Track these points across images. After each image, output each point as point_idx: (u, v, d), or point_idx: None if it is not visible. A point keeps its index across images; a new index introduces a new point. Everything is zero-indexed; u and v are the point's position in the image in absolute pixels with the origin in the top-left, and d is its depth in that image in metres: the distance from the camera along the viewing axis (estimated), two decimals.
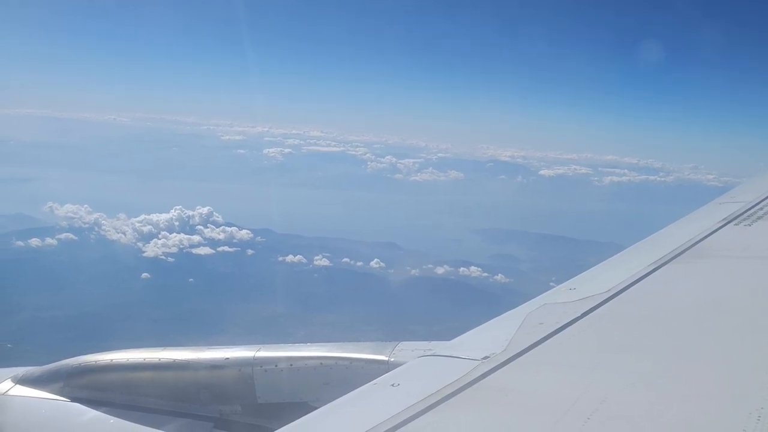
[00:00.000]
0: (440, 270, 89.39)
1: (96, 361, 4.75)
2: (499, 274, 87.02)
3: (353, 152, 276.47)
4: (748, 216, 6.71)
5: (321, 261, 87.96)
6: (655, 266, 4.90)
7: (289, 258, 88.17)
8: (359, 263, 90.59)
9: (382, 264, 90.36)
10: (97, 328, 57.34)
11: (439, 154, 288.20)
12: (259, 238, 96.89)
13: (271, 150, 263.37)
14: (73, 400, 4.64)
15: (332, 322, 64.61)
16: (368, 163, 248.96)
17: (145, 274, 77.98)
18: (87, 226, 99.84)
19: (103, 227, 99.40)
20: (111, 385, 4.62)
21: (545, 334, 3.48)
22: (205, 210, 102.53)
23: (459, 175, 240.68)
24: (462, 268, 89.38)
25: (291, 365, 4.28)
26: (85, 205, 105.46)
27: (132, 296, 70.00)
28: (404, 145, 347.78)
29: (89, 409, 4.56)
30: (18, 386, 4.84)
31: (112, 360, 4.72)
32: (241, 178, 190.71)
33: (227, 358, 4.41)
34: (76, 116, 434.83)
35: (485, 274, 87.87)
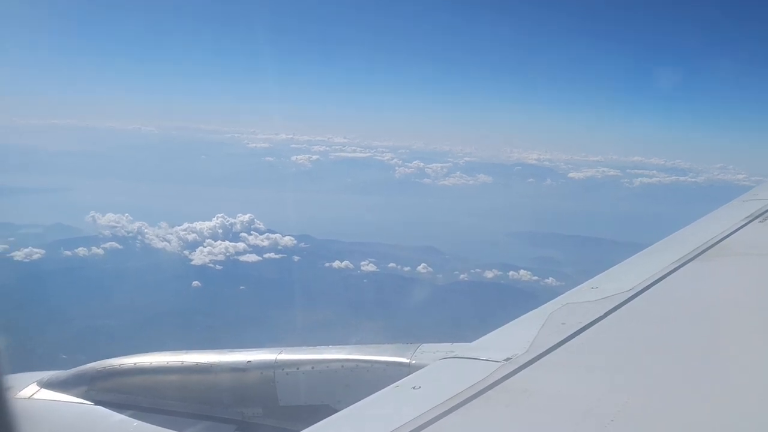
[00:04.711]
0: (489, 274, 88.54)
1: (120, 365, 4.79)
2: (550, 278, 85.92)
3: (380, 158, 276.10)
4: None
5: (368, 266, 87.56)
6: (678, 264, 4.85)
7: (336, 264, 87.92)
8: (406, 268, 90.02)
9: (430, 269, 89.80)
10: (152, 336, 56.88)
11: (466, 158, 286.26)
12: (303, 244, 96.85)
13: (298, 157, 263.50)
14: (98, 403, 4.70)
15: (385, 328, 63.86)
16: (396, 168, 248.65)
17: (195, 282, 78.12)
18: (130, 235, 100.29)
19: (147, 236, 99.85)
20: (135, 389, 4.68)
21: (567, 335, 3.46)
22: (246, 217, 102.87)
23: (488, 179, 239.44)
24: (512, 272, 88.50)
25: (312, 368, 4.31)
26: (126, 214, 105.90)
27: (184, 304, 69.98)
28: (428, 149, 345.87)
29: (113, 412, 4.62)
30: (43, 390, 4.88)
31: (135, 363, 4.76)
32: (272, 185, 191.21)
33: (249, 361, 4.44)
34: (100, 125, 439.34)
35: (535, 278, 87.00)
